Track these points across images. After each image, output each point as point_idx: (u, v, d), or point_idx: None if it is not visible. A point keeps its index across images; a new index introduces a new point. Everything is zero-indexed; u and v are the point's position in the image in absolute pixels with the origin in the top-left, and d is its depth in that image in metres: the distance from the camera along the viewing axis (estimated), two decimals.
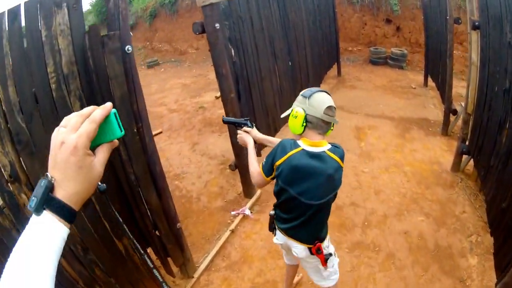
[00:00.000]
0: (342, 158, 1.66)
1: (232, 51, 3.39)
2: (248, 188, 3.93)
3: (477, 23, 3.13)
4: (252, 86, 3.78)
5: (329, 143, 1.66)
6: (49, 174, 0.60)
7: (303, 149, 1.60)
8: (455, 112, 4.75)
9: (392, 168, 4.20)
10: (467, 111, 3.64)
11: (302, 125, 1.60)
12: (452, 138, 4.88)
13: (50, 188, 0.59)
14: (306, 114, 1.59)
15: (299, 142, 1.64)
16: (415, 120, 5.51)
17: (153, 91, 9.38)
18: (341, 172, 1.67)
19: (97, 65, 2.00)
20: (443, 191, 3.69)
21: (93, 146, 0.64)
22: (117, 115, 0.68)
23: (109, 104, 0.65)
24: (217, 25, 2.90)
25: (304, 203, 1.64)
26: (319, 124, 1.60)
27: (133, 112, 2.23)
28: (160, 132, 6.50)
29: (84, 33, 1.96)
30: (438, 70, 5.77)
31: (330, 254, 1.87)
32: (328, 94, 1.64)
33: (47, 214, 0.58)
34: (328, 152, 1.61)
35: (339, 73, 8.13)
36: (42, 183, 0.58)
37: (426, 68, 7.22)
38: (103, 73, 2.00)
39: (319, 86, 6.36)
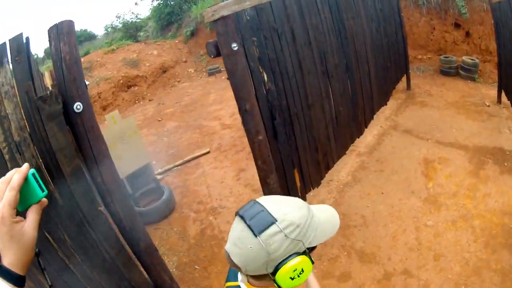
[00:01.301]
0: None
1: (265, 75, 2.54)
2: None
3: None
4: (295, 118, 2.89)
5: None
6: None
7: None
8: None
9: (460, 222, 3.45)
10: None
11: None
12: None
13: None
14: None
15: (240, 281, 1.00)
16: (490, 151, 4.59)
17: (210, 102, 9.01)
18: None
19: (41, 134, 1.54)
20: (509, 256, 3.02)
21: (23, 209, 0.68)
22: (36, 175, 0.69)
23: (24, 167, 0.67)
24: (234, 45, 2.09)
25: None
26: None
27: (96, 186, 1.69)
28: (208, 152, 5.94)
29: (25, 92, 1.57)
30: None
31: None
32: (246, 225, 0.84)
33: (0, 280, 0.61)
34: None
35: (409, 87, 7.03)
36: None
37: (500, 82, 6.18)
38: (48, 144, 1.55)
39: (385, 105, 5.19)
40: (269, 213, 0.82)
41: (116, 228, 1.88)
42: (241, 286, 0.97)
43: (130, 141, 3.86)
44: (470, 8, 7.78)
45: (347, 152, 3.96)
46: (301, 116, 2.98)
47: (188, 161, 5.75)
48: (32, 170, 0.69)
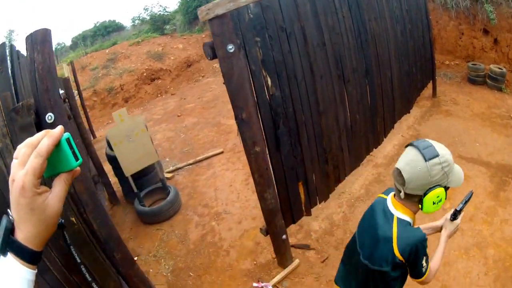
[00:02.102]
0: (401, 241, 1.29)
1: (269, 79, 2.34)
2: (281, 258, 3.01)
3: None
4: (302, 127, 2.67)
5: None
6: (9, 211, 0.56)
7: (385, 198, 1.48)
8: None
9: (474, 251, 3.14)
10: None
11: None
12: None
13: (10, 228, 0.56)
14: None
15: (391, 193, 1.47)
16: None
17: None
18: (387, 248, 1.30)
19: (19, 142, 1.48)
20: None
21: (50, 175, 0.60)
22: (71, 140, 0.60)
23: (57, 131, 0.57)
24: (230, 47, 1.91)
25: (356, 246, 1.54)
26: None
27: (70, 197, 1.68)
28: (221, 152, 5.80)
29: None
30: None
31: None
32: (418, 150, 1.24)
33: (10, 256, 0.55)
34: (395, 220, 1.35)
35: (434, 94, 6.60)
36: (2, 223, 0.56)
37: None
38: None
39: (408, 113, 4.85)
40: (435, 149, 1.20)
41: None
42: (388, 198, 1.42)
43: (137, 139, 3.76)
44: (498, 14, 7.32)
45: (362, 163, 3.68)
46: (310, 124, 2.75)
47: (201, 160, 5.64)
48: (67, 135, 0.59)
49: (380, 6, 3.46)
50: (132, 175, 3.87)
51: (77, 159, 0.60)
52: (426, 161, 1.17)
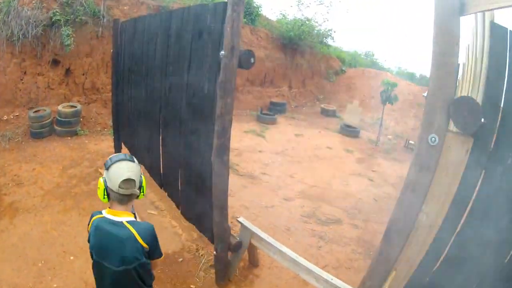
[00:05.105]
0: (141, 233, 1.61)
1: None
2: None
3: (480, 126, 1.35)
4: None
5: (135, 219, 1.71)
6: None
7: (103, 216, 1.64)
8: (237, 247, 2.90)
9: None
10: None
11: (104, 197, 1.64)
12: None
13: None
14: (106, 186, 1.62)
15: (103, 211, 1.68)
16: None
17: None
18: (135, 245, 1.60)
19: None
20: None
21: None
22: None
23: None
24: None
25: (104, 267, 1.61)
26: (117, 197, 1.62)
27: None
28: None
29: None
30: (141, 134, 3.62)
31: None
32: (130, 161, 1.67)
33: None
34: (126, 223, 1.62)
35: None
36: None
37: (117, 130, 4.66)
38: None
39: None
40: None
41: None
42: (103, 214, 1.65)
43: None
44: (78, 36, 6.26)
45: None
46: None
47: None
48: None
49: None
50: None
51: None
52: (135, 162, 1.67)
